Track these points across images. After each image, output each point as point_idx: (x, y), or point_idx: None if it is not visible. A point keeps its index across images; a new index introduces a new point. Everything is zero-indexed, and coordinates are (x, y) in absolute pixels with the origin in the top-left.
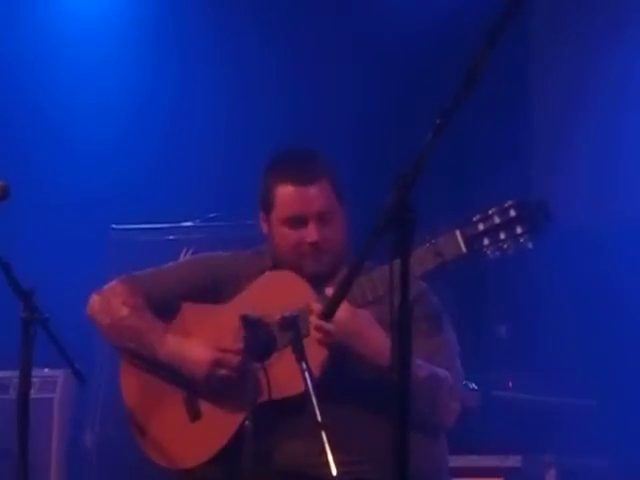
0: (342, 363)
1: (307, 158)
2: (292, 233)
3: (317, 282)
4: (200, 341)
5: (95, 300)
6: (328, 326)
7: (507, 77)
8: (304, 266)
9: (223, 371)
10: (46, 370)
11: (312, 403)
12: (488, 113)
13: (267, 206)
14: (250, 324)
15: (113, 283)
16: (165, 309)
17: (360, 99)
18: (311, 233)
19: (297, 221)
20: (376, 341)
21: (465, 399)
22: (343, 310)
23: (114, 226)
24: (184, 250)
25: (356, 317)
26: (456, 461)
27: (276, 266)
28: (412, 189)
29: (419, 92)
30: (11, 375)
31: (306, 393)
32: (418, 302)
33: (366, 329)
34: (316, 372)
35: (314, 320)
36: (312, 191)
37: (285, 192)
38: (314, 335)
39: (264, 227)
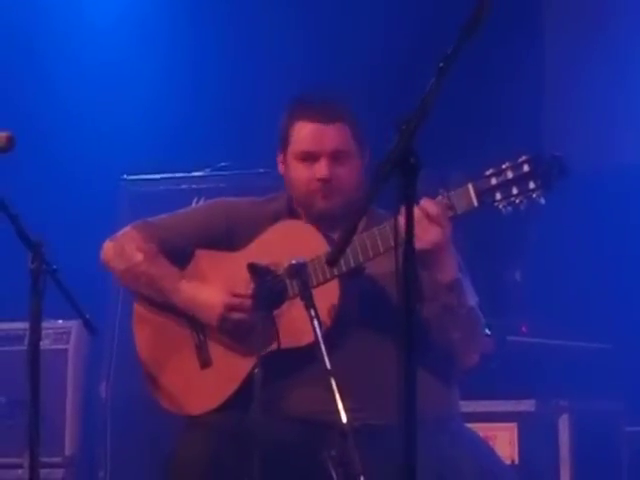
0: (356, 307)
1: (329, 100)
2: (304, 168)
3: (327, 222)
4: (213, 287)
5: (109, 246)
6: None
7: (517, 20)
8: (314, 204)
9: (236, 314)
10: (60, 321)
11: (321, 351)
12: (498, 56)
13: (284, 143)
14: (257, 272)
15: (127, 229)
16: (178, 255)
17: (376, 44)
18: (321, 169)
19: (310, 157)
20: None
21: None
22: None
23: (125, 176)
24: (195, 200)
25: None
26: (470, 406)
27: (291, 212)
28: (416, 134)
29: (431, 36)
30: (25, 326)
31: (315, 341)
32: None
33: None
34: (325, 320)
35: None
36: (329, 130)
37: (302, 128)
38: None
39: (281, 168)
